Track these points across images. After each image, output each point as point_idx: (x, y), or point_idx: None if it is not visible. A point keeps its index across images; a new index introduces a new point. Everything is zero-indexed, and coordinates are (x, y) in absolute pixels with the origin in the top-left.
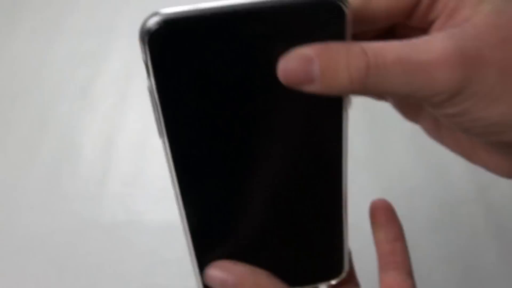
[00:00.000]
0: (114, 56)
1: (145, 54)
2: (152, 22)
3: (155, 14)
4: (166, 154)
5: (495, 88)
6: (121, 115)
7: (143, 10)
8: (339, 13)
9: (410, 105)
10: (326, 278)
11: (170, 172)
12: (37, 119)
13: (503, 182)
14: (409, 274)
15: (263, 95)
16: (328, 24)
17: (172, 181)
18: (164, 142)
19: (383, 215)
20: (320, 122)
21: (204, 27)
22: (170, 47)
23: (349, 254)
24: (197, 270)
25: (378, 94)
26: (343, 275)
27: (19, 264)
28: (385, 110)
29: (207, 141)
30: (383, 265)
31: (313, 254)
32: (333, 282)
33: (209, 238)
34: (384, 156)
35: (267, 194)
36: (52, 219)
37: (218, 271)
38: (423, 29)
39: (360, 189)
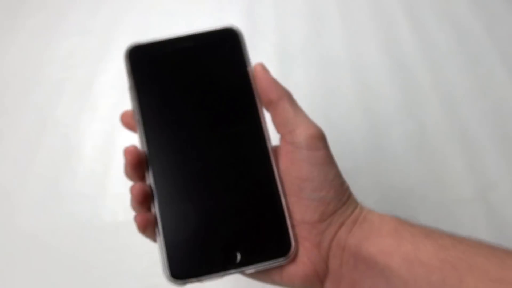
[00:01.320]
0: (114, 56)
1: (126, 64)
2: (128, 46)
3: (132, 42)
4: (140, 134)
5: None
6: None
7: (143, 10)
8: (234, 34)
9: None
10: (274, 256)
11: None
12: (37, 119)
13: (503, 182)
14: None
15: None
16: (229, 41)
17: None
18: (138, 123)
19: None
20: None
21: (154, 49)
22: (137, 60)
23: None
24: (165, 254)
25: None
26: (291, 254)
27: (19, 264)
28: (384, 111)
29: (167, 121)
30: None
31: (258, 234)
32: (282, 260)
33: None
34: (384, 156)
35: (213, 177)
36: (52, 219)
37: None
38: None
39: (361, 189)
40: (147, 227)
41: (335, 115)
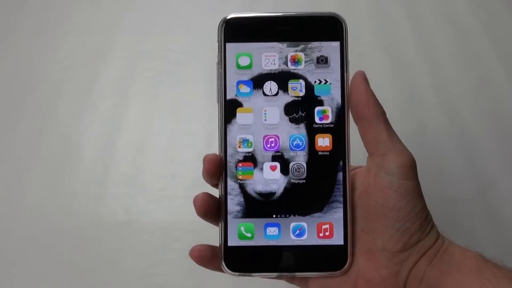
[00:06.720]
0: (114, 56)
1: (219, 35)
2: (223, 18)
3: (227, 15)
4: (219, 116)
5: None
6: (121, 115)
7: (143, 10)
8: (339, 24)
9: None
10: (328, 268)
11: (220, 136)
12: (37, 119)
13: (503, 182)
14: None
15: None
16: (331, 30)
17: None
18: (219, 106)
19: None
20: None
21: (248, 22)
22: (229, 33)
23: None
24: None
25: None
26: (345, 268)
27: (19, 264)
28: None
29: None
30: None
31: (317, 245)
32: (336, 273)
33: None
34: None
35: (285, 183)
36: (52, 219)
37: None
38: None
39: None
40: (207, 213)
41: None
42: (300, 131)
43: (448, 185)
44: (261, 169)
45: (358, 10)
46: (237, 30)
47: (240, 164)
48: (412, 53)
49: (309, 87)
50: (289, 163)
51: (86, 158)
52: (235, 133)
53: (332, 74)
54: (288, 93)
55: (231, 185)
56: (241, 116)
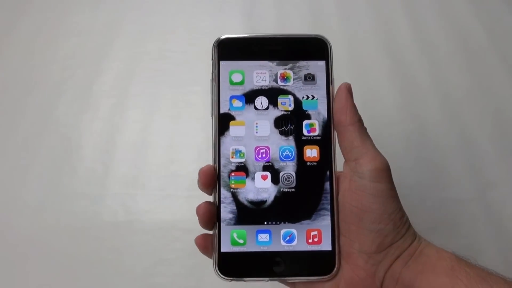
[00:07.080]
0: (114, 56)
1: (213, 54)
2: (217, 39)
3: (220, 36)
4: (213, 129)
5: None
6: (121, 115)
7: (143, 10)
8: (324, 45)
9: None
10: (317, 273)
11: (214, 143)
12: (37, 119)
13: (503, 182)
14: None
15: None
16: (317, 50)
17: (214, 152)
18: (213, 119)
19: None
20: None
21: (241, 42)
22: (223, 52)
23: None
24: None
25: None
26: (333, 273)
27: (19, 264)
28: (384, 111)
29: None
30: None
31: (306, 251)
32: (325, 277)
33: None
34: (383, 155)
35: (275, 191)
36: (52, 219)
37: None
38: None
39: None
40: (209, 221)
41: None
42: (289, 142)
43: (448, 185)
44: (253, 178)
45: (358, 10)
46: (230, 50)
47: (232, 174)
48: (412, 53)
49: (297, 102)
50: (279, 172)
51: (86, 158)
52: (228, 144)
53: (319, 90)
54: (278, 108)
55: (224, 193)
56: (234, 129)
